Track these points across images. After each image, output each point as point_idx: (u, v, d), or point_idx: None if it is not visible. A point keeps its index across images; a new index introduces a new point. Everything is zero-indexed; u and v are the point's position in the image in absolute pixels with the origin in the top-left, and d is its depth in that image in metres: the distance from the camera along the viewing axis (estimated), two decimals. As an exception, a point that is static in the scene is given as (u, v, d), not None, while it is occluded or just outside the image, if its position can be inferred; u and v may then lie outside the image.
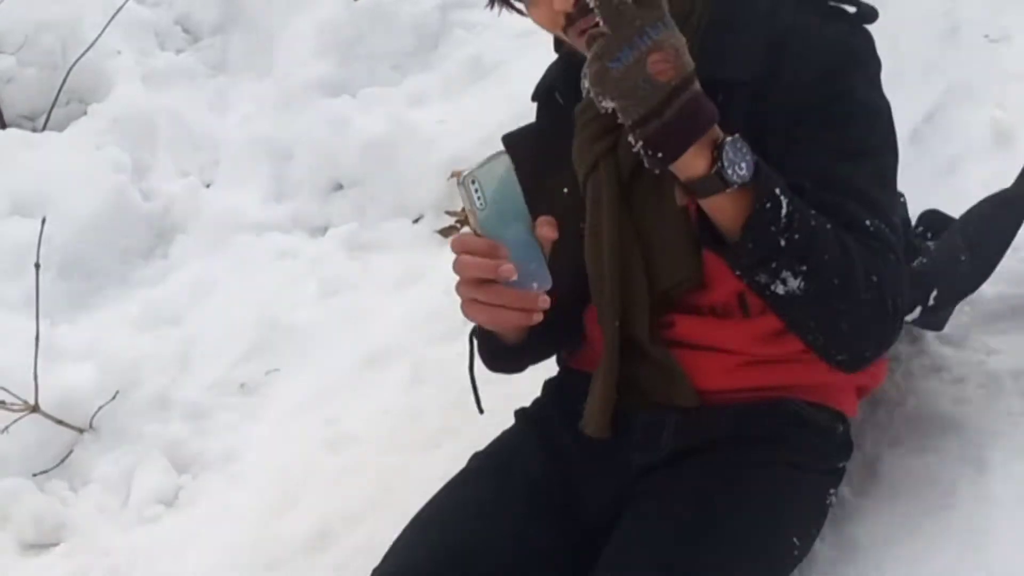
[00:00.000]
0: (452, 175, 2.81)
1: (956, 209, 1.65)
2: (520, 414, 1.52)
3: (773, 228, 1.13)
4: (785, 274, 1.16)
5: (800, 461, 1.34)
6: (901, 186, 1.36)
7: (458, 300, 1.18)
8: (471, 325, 1.39)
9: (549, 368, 1.54)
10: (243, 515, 2.04)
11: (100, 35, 3.63)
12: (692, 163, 1.13)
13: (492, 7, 1.36)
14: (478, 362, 1.46)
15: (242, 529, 1.99)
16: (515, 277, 1.12)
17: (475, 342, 1.44)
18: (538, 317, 1.16)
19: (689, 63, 1.09)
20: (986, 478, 1.43)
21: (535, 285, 1.14)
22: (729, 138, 1.12)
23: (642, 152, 1.11)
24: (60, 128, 3.54)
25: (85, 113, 3.54)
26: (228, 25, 3.96)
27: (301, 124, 3.33)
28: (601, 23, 1.08)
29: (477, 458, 1.48)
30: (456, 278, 1.17)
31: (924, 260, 1.49)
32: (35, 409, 2.38)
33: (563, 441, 1.42)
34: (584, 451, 1.39)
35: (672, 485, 1.31)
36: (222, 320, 2.69)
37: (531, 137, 1.44)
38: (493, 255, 1.12)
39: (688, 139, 1.11)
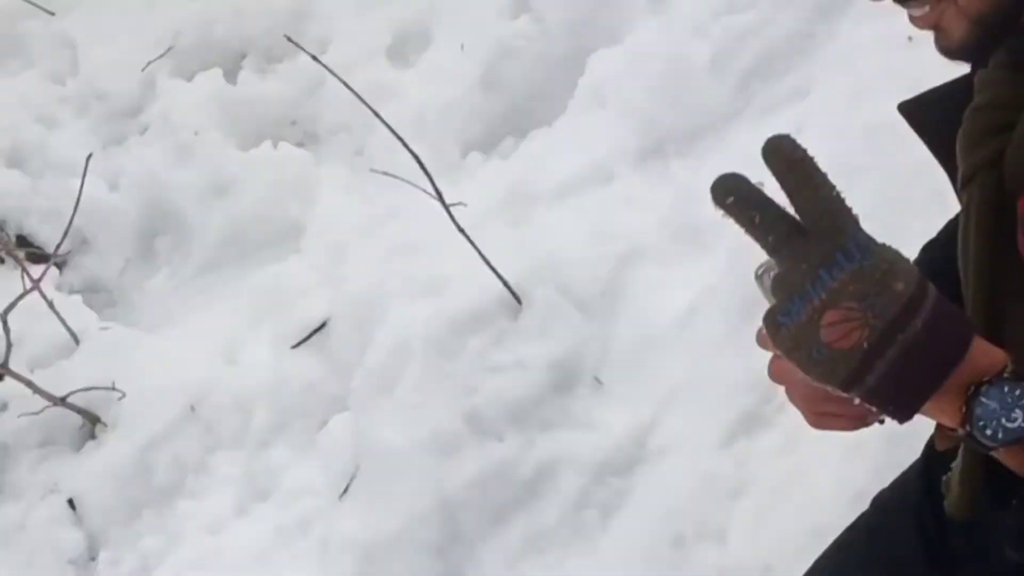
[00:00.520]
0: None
1: None
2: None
3: None
4: None
5: None
6: None
7: None
8: None
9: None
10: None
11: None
12: (937, 416, 0.82)
13: None
14: None
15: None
16: None
17: None
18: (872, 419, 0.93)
19: (893, 303, 0.76)
20: None
21: None
22: (986, 385, 0.79)
23: None
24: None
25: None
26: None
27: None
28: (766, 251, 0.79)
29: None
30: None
31: None
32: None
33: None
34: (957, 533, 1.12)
35: None
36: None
37: (937, 104, 1.05)
38: None
39: (911, 403, 0.80)
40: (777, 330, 0.79)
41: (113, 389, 2.82)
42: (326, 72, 2.47)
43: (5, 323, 2.79)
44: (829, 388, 0.79)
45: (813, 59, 2.66)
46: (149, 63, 3.67)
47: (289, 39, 2.54)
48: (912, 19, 0.90)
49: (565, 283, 2.46)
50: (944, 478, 1.05)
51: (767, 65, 2.72)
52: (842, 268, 0.76)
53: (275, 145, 3.39)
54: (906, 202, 2.01)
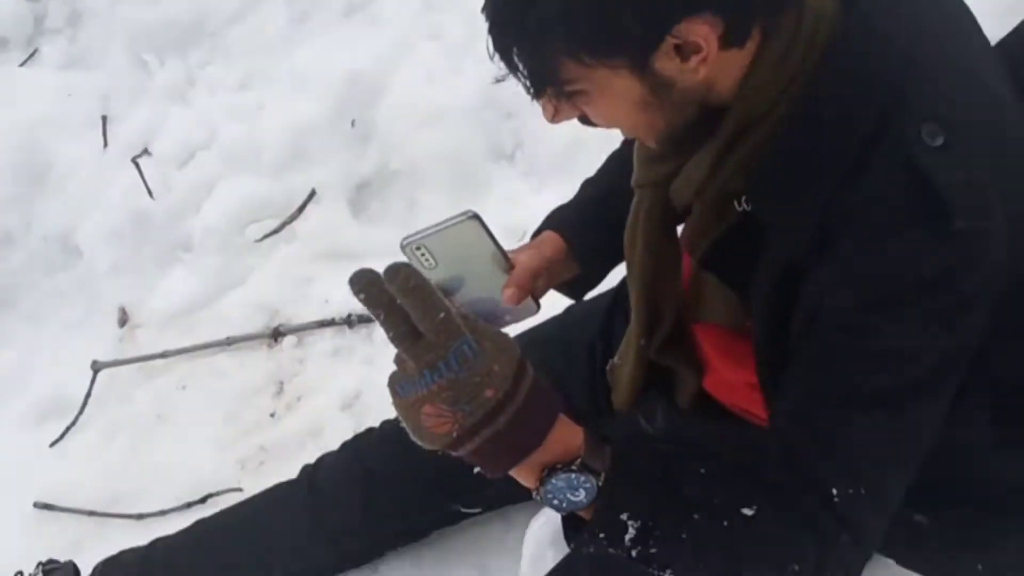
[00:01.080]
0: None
1: None
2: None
3: (615, 550, 0.95)
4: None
5: None
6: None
7: None
8: None
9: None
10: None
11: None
12: (521, 480, 1.01)
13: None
14: None
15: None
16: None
17: None
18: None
19: (480, 408, 0.93)
20: None
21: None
22: (557, 471, 0.97)
23: None
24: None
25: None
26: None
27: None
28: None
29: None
30: None
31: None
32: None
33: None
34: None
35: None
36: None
37: None
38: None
39: (496, 473, 0.98)
40: (394, 395, 0.96)
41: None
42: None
43: None
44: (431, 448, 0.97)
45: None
46: None
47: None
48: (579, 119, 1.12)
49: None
50: (608, 365, 1.44)
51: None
52: (441, 375, 0.92)
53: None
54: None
